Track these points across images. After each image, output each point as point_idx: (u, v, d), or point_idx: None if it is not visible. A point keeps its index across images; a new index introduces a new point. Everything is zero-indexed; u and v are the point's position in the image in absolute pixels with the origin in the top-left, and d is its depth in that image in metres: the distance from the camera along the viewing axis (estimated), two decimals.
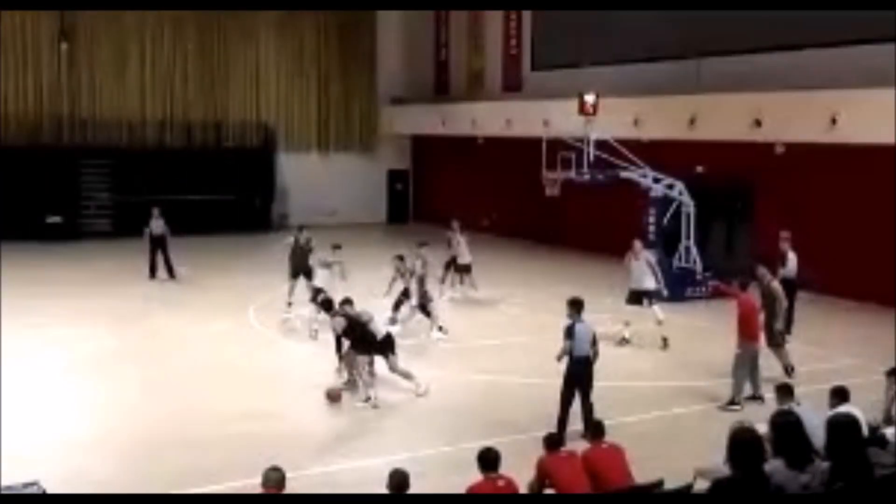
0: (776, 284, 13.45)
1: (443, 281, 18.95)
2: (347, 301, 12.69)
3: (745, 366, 12.20)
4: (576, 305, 10.98)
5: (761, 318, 12.74)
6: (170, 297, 19.15)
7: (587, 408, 10.70)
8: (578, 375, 10.72)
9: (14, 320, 16.04)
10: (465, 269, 19.05)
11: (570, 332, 10.70)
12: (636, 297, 15.66)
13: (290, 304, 17.18)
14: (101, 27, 29.13)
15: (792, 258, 15.82)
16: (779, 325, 13.27)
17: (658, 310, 15.51)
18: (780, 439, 6.39)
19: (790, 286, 15.09)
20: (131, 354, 14.60)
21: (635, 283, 15.65)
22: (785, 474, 6.13)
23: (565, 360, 10.80)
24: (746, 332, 12.23)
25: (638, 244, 15.93)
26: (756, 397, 12.02)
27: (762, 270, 13.53)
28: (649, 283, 15.57)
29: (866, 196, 18.92)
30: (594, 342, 10.88)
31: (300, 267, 17.14)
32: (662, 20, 22.79)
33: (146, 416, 11.61)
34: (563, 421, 10.60)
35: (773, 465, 6.13)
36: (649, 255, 15.97)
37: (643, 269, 15.58)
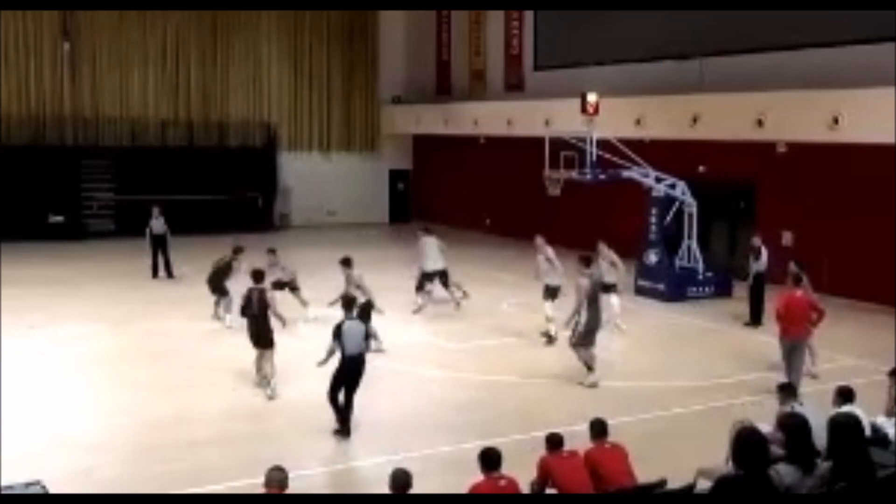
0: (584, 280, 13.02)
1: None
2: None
3: (801, 358, 12.37)
4: (346, 303, 11.27)
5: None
6: (172, 296, 19.12)
7: (349, 404, 10.91)
8: (348, 372, 10.87)
9: (15, 320, 16.05)
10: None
11: (337, 332, 10.86)
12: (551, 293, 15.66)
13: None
14: (103, 26, 29.12)
15: (764, 253, 16.80)
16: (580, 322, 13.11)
17: (549, 307, 15.42)
18: (791, 441, 6.37)
19: (760, 279, 16.81)
20: (133, 354, 14.59)
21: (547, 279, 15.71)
22: (793, 476, 6.11)
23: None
24: (792, 328, 12.38)
25: (539, 239, 15.98)
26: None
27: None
28: (553, 279, 15.57)
29: (868, 195, 18.89)
30: (367, 337, 11.16)
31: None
32: (664, 20, 22.76)
33: (147, 415, 11.60)
34: (338, 409, 10.89)
35: (783, 469, 6.11)
36: (549, 252, 15.82)
37: (546, 265, 15.61)
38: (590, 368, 13.03)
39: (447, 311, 17.82)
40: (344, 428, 10.90)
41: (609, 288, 16.14)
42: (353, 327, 10.98)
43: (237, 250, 16.89)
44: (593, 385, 12.90)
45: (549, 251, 15.72)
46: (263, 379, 12.51)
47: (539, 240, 16.03)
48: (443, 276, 17.55)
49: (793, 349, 12.40)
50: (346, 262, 14.95)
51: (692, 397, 12.59)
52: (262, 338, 12.49)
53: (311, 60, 32.52)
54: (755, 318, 16.87)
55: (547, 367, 13.83)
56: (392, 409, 12.06)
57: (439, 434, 11.00)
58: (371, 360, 14.03)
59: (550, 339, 15.19)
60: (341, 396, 10.94)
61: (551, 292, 15.54)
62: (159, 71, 30.17)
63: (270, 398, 12.23)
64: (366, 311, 13.68)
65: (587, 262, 13.47)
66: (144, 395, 12.38)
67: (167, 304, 18.27)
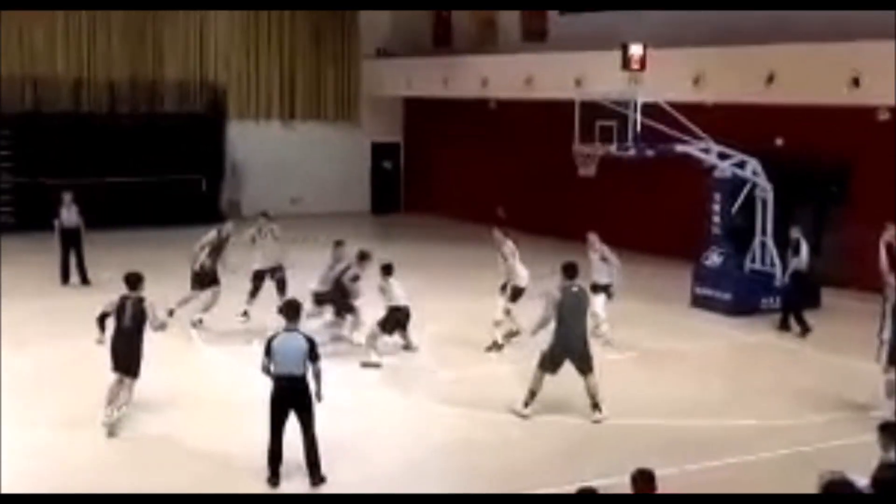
0: None
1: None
2: None
3: None
4: (288, 309, 11.10)
5: None
6: (86, 308, 19.01)
7: (311, 446, 10.76)
8: (283, 397, 10.76)
9: None
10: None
11: (268, 348, 10.81)
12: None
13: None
14: None
15: (804, 248, 17.79)
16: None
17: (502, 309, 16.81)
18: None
19: (799, 279, 18.05)
20: (39, 384, 14.57)
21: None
22: None
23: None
24: None
25: (497, 233, 17.20)
26: None
27: None
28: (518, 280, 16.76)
29: None
30: (314, 358, 10.79)
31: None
32: None
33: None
34: (273, 452, 10.72)
35: None
36: (508, 247, 16.90)
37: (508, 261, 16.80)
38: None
39: (451, 332, 17.86)
40: (314, 479, 10.70)
41: (598, 289, 16.65)
42: (289, 340, 10.80)
43: (363, 256, 16.94)
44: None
45: (509, 246, 16.76)
46: (113, 412, 12.33)
47: (497, 233, 17.15)
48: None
49: None
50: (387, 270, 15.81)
51: (766, 440, 12.61)
52: (133, 361, 12.34)
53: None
54: (785, 324, 17.93)
55: (576, 401, 13.76)
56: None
57: (445, 488, 10.98)
58: (361, 388, 14.08)
59: (498, 346, 16.62)
60: (289, 439, 10.91)
61: (517, 292, 16.76)
62: (72, 18, 30.23)
63: (109, 430, 12.23)
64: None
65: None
66: (57, 436, 12.39)
67: (81, 319, 18.16)
